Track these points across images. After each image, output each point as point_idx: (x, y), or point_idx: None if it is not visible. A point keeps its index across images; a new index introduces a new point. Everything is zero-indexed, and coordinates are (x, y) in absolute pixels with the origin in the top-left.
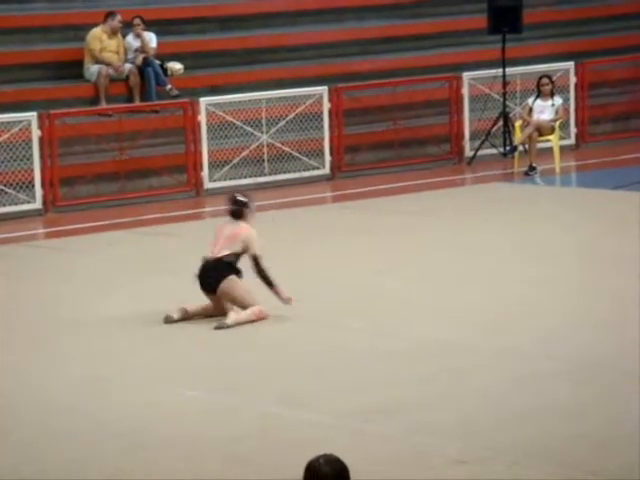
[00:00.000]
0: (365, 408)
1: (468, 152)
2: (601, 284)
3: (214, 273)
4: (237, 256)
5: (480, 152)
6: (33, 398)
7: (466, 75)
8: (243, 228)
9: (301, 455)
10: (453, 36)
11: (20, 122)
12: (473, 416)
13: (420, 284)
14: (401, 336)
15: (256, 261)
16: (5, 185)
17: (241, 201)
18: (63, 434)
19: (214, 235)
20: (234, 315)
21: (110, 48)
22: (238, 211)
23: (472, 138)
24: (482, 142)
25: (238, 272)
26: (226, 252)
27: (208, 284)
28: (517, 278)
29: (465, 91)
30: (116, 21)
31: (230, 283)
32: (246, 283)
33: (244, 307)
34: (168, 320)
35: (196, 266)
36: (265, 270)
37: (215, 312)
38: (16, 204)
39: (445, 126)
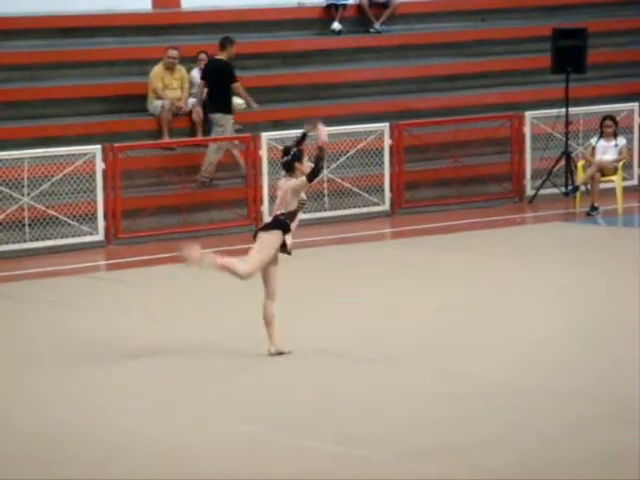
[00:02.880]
0: (425, 449)
1: (529, 191)
2: None
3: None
4: (290, 213)
5: (541, 191)
6: (86, 431)
7: (528, 114)
8: (290, 185)
9: None
10: (516, 75)
11: (84, 155)
12: (531, 459)
13: (477, 323)
14: (457, 375)
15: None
16: (68, 217)
17: (292, 153)
18: (118, 470)
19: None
20: (276, 344)
21: (172, 85)
22: (288, 163)
23: (533, 177)
24: (543, 181)
25: (285, 227)
26: (278, 212)
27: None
28: (575, 319)
29: (527, 130)
30: (169, 56)
31: (262, 237)
32: (274, 242)
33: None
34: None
35: (255, 299)
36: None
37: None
38: (79, 236)
39: (506, 165)
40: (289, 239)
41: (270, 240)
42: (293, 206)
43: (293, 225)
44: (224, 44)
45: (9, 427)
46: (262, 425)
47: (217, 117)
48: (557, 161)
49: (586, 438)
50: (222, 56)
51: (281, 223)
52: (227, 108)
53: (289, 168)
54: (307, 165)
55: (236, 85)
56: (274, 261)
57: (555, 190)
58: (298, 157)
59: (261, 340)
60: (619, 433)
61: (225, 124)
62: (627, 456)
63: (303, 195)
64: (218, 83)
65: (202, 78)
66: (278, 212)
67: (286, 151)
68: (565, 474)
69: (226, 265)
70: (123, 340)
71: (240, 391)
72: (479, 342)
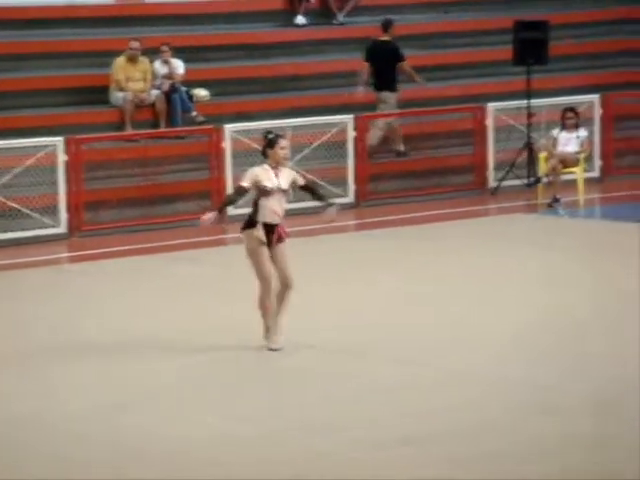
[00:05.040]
0: (384, 440)
1: (492, 182)
2: (617, 318)
3: None
4: (254, 204)
5: (504, 183)
6: (46, 426)
7: (491, 106)
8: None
9: None
10: (478, 67)
11: (46, 147)
12: (493, 448)
13: (439, 313)
14: (422, 366)
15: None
16: (30, 209)
17: (266, 139)
18: (79, 463)
19: None
20: (278, 339)
21: (135, 77)
22: (263, 149)
23: (496, 169)
24: (506, 173)
25: (250, 222)
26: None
27: None
28: (533, 309)
29: (490, 122)
30: (130, 48)
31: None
32: (250, 243)
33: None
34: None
35: (219, 291)
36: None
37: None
38: (41, 228)
39: (469, 156)
40: (257, 231)
41: (247, 246)
42: (254, 195)
43: (263, 211)
44: (387, 26)
45: None
46: (228, 417)
47: (384, 95)
48: (519, 153)
49: (581, 422)
50: (386, 37)
51: (246, 220)
52: (394, 86)
53: (263, 153)
54: (279, 152)
55: (404, 63)
56: (273, 254)
57: (517, 181)
58: (270, 143)
59: (235, 332)
60: (614, 416)
61: (390, 101)
62: (625, 439)
63: (266, 181)
64: (386, 63)
65: (366, 60)
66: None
67: (265, 135)
68: (538, 461)
69: (267, 309)
70: (87, 334)
71: (204, 382)
72: (443, 332)
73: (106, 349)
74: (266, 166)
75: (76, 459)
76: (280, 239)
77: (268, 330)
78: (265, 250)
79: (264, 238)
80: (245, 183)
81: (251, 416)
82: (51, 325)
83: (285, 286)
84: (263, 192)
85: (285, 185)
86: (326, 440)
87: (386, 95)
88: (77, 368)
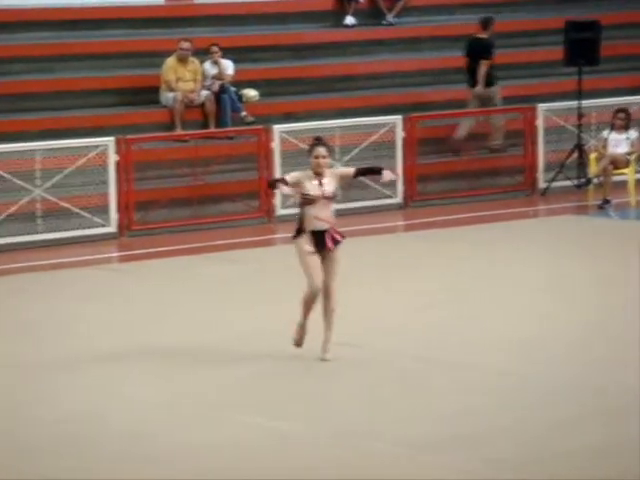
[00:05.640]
0: (435, 440)
1: (542, 184)
2: None
3: None
4: (300, 213)
5: (554, 184)
6: (95, 423)
7: (541, 106)
8: None
9: None
10: (529, 67)
11: (97, 147)
12: (533, 449)
13: (488, 315)
14: (467, 368)
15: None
16: (81, 208)
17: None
18: (126, 459)
19: None
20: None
21: (185, 77)
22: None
23: (546, 170)
24: (556, 174)
25: (298, 231)
26: None
27: None
28: (580, 314)
29: (540, 122)
30: (181, 48)
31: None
32: (299, 250)
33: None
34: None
35: (265, 292)
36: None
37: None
38: (91, 227)
39: (519, 157)
40: (304, 241)
41: (297, 254)
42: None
43: (308, 220)
44: (486, 23)
45: (25, 420)
46: (273, 418)
47: (490, 91)
48: (570, 154)
49: (587, 430)
50: (484, 34)
51: (296, 229)
52: (491, 81)
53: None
54: (312, 161)
55: (483, 62)
56: (324, 262)
57: (568, 183)
58: (309, 150)
59: (277, 335)
60: (619, 424)
61: (494, 96)
62: (628, 448)
63: (308, 188)
64: (479, 59)
65: (466, 56)
66: None
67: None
68: (569, 466)
69: (305, 312)
70: (133, 333)
71: (246, 384)
72: (485, 334)
73: (152, 351)
74: (310, 172)
75: (131, 457)
76: (329, 248)
77: (301, 327)
78: (313, 259)
79: (311, 248)
80: (287, 177)
81: (294, 418)
82: (100, 325)
83: (326, 297)
84: (306, 200)
85: (330, 191)
86: (367, 442)
87: (491, 91)
88: (118, 367)
